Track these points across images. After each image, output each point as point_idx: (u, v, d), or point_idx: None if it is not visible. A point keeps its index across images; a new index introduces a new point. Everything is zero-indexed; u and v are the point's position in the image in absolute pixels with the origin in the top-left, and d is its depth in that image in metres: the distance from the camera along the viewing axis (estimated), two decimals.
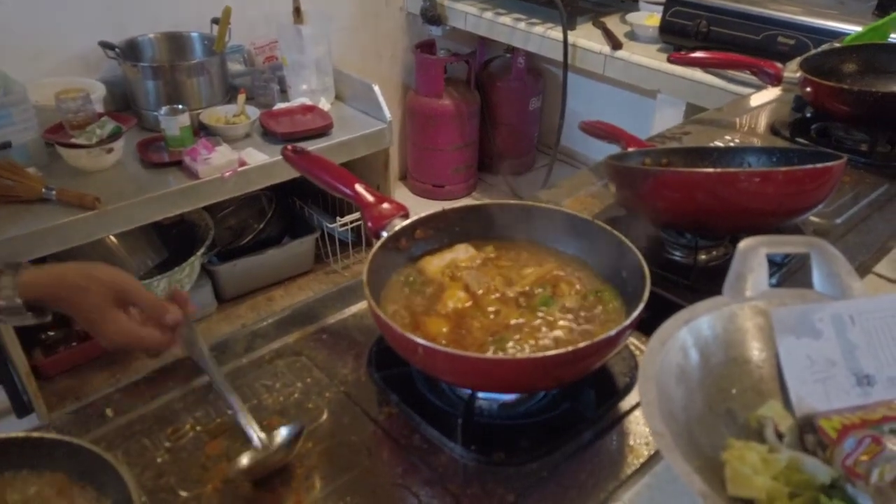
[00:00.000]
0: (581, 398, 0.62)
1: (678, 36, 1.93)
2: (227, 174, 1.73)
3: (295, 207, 2.29)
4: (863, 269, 0.80)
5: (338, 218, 2.13)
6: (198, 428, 0.60)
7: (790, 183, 0.71)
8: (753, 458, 0.42)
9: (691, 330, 0.47)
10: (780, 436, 0.45)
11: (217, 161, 1.73)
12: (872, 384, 0.46)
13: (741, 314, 0.50)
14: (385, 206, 0.72)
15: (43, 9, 1.83)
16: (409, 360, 0.58)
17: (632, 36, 2.09)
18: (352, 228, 2.18)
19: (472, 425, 0.58)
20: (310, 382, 0.66)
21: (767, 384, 0.48)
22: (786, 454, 0.43)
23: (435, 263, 0.69)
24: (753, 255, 0.51)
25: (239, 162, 1.76)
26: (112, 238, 1.87)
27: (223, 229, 2.16)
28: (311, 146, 1.91)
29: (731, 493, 0.40)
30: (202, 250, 1.88)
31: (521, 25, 2.26)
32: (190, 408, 0.63)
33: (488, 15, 2.35)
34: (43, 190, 1.57)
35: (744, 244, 0.51)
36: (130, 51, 1.92)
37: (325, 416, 0.62)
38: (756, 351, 0.49)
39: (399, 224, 0.70)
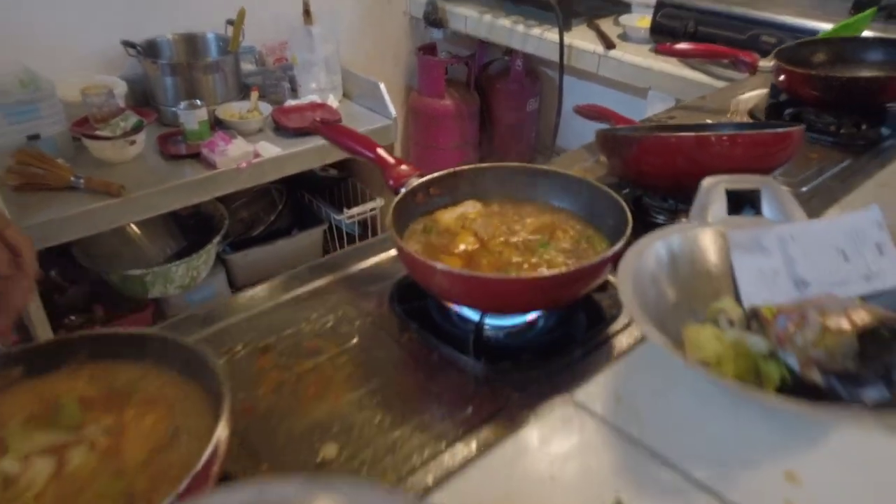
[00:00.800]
0: (574, 324, 0.73)
1: (668, 36, 2.05)
2: (243, 165, 1.84)
3: (304, 201, 2.40)
4: None
5: (345, 210, 2.23)
6: (247, 348, 0.71)
7: (756, 145, 0.82)
8: (707, 334, 0.52)
9: (664, 244, 0.58)
10: (731, 323, 0.55)
11: (233, 153, 1.83)
12: (807, 286, 0.56)
13: (703, 235, 0.60)
14: (403, 167, 0.82)
15: (69, 10, 1.95)
16: (427, 285, 0.69)
17: (624, 37, 2.21)
18: (358, 221, 2.28)
19: (481, 342, 0.69)
20: (340, 315, 0.76)
21: (723, 288, 0.59)
22: (734, 332, 0.53)
23: (447, 215, 0.80)
24: (715, 190, 0.61)
25: (254, 154, 1.87)
26: (134, 226, 1.98)
27: (236, 221, 2.26)
28: (320, 140, 2.03)
29: (688, 357, 0.50)
30: (217, 239, 1.98)
31: (519, 27, 2.37)
32: (235, 335, 0.73)
33: (487, 18, 2.47)
34: (71, 178, 1.67)
35: (706, 181, 0.62)
36: (150, 50, 2.03)
37: (355, 340, 0.72)
38: (714, 263, 0.60)
39: (416, 182, 0.80)
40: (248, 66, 2.28)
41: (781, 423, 0.53)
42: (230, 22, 2.08)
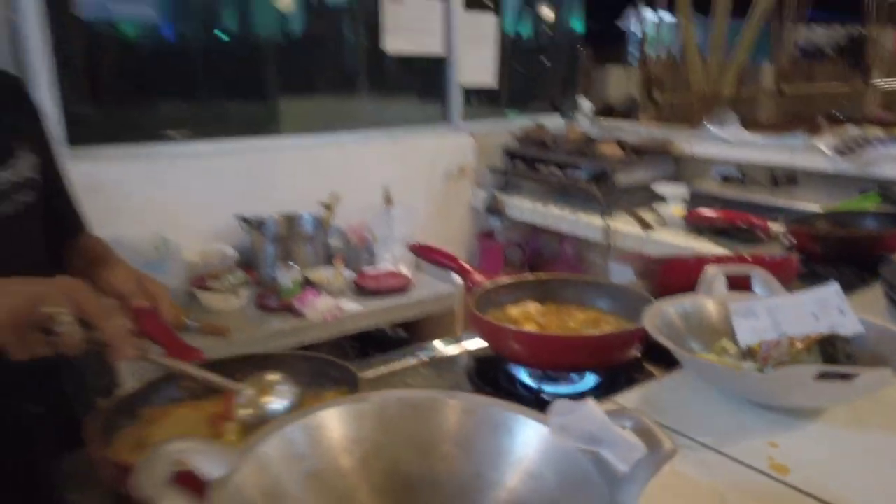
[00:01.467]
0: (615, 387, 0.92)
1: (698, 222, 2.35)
2: (328, 317, 2.13)
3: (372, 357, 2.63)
4: None
5: None
6: None
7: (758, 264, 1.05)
8: (712, 358, 0.71)
9: (676, 308, 0.79)
10: (729, 354, 0.75)
11: (320, 306, 2.13)
12: (788, 336, 0.76)
13: (708, 302, 0.82)
14: (478, 276, 1.08)
15: (198, 193, 2.40)
16: (501, 347, 0.90)
17: (660, 222, 2.53)
18: None
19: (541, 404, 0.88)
20: (431, 381, 0.97)
21: (723, 335, 0.79)
22: (731, 359, 0.72)
23: (513, 310, 1.03)
24: (717, 275, 0.84)
25: (337, 308, 2.16)
26: None
27: None
28: (393, 300, 2.32)
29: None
30: None
31: (567, 214, 2.73)
32: None
33: (539, 207, 2.85)
34: (187, 321, 1.97)
35: (711, 269, 0.85)
36: (258, 224, 2.44)
37: None
38: (717, 320, 0.80)
39: (489, 285, 1.05)
40: (334, 242, 2.66)
41: (764, 409, 0.71)
42: (325, 205, 2.50)
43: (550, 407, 0.53)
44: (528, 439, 0.53)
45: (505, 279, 1.07)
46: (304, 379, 0.80)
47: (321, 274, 2.36)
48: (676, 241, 2.32)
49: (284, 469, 0.49)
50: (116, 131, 2.40)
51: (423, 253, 1.18)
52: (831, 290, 0.77)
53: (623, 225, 2.53)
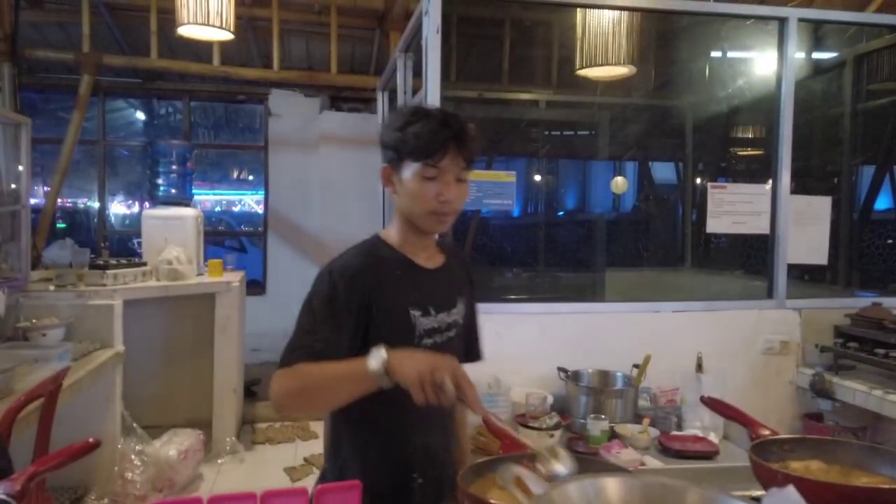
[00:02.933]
0: None
1: None
2: (631, 468, 2.28)
3: None
4: None
5: None
6: None
7: None
8: None
9: None
10: None
11: (624, 457, 2.30)
12: None
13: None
14: (764, 429, 1.22)
15: (527, 344, 2.84)
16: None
17: None
18: None
19: None
20: None
21: None
22: None
23: (795, 464, 1.14)
24: None
25: (639, 462, 2.30)
26: None
27: None
28: (697, 464, 2.36)
29: None
30: None
31: None
32: None
33: (877, 392, 2.63)
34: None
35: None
36: (575, 376, 2.75)
37: None
38: None
39: (771, 437, 1.18)
40: (642, 403, 2.83)
41: None
42: (636, 365, 2.71)
43: None
44: None
45: (790, 435, 1.19)
46: None
47: (628, 429, 2.53)
48: None
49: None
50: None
51: (712, 404, 1.34)
52: (786, 492, 0.77)
53: None
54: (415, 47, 3.32)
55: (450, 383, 1.10)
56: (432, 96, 2.76)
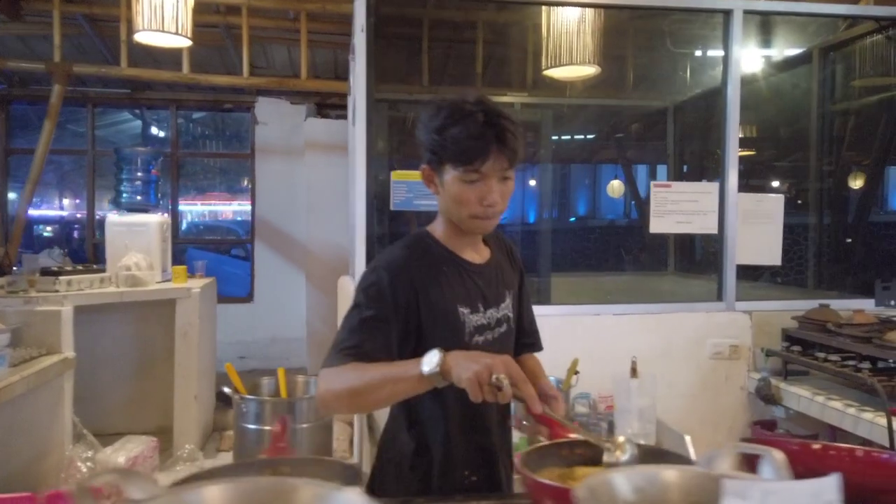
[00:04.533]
0: None
1: None
2: None
3: None
4: None
5: None
6: None
7: None
8: None
9: (633, 478, 0.78)
10: None
11: None
12: None
13: (707, 476, 0.77)
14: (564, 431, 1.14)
15: None
16: None
17: None
18: None
19: None
20: None
21: None
22: None
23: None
24: (722, 453, 0.80)
25: None
26: None
27: None
28: None
29: None
30: None
31: (851, 411, 2.35)
32: None
33: (819, 399, 2.51)
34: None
35: (715, 451, 0.81)
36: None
37: None
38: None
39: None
40: (580, 409, 2.73)
41: None
42: (568, 369, 2.62)
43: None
44: None
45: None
46: None
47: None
48: None
49: None
50: None
51: (538, 418, 1.25)
52: (830, 482, 0.67)
53: None
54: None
55: (507, 382, 1.08)
56: (360, 98, 2.72)
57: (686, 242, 5.05)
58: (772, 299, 3.35)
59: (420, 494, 1.33)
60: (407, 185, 2.74)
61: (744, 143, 5.68)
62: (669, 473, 0.76)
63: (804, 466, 0.94)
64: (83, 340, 3.67)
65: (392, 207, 2.73)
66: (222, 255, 8.02)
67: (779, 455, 0.78)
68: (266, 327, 6.75)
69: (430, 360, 1.15)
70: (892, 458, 0.88)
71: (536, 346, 1.60)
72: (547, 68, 4.12)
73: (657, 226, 2.95)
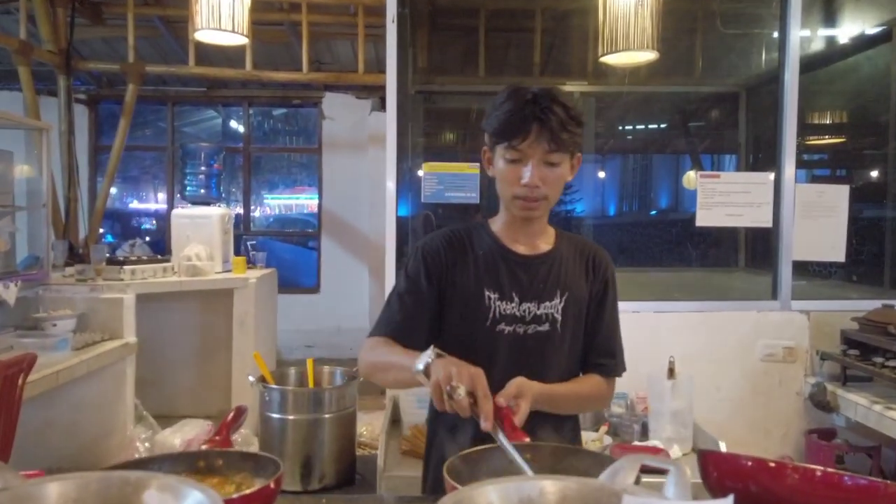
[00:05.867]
0: None
1: None
2: None
3: None
4: None
5: None
6: None
7: None
8: None
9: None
10: None
11: None
12: None
13: (606, 490, 0.70)
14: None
15: None
16: None
17: None
18: None
19: None
20: None
21: None
22: None
23: None
24: (630, 461, 0.73)
25: None
26: None
27: None
28: (648, 479, 2.15)
29: None
30: None
31: None
32: None
33: (877, 408, 2.30)
34: None
35: (628, 457, 0.74)
36: None
37: None
38: None
39: None
40: (617, 408, 2.62)
41: None
42: None
43: None
44: None
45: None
46: None
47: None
48: None
49: None
50: None
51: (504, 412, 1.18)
52: (723, 502, 0.60)
53: None
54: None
55: (462, 392, 1.07)
56: (391, 87, 2.72)
57: (759, 237, 4.76)
58: (840, 298, 3.11)
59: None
60: (438, 177, 2.71)
61: (824, 129, 5.31)
62: (563, 485, 0.70)
63: (758, 485, 0.85)
64: (147, 327, 3.87)
65: (423, 200, 2.71)
66: (299, 248, 8.26)
67: (684, 471, 0.71)
68: (332, 317, 6.90)
69: (423, 360, 1.16)
70: (848, 480, 0.78)
71: (608, 368, 1.42)
72: (603, 55, 3.98)
73: (704, 219, 2.79)
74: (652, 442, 2.35)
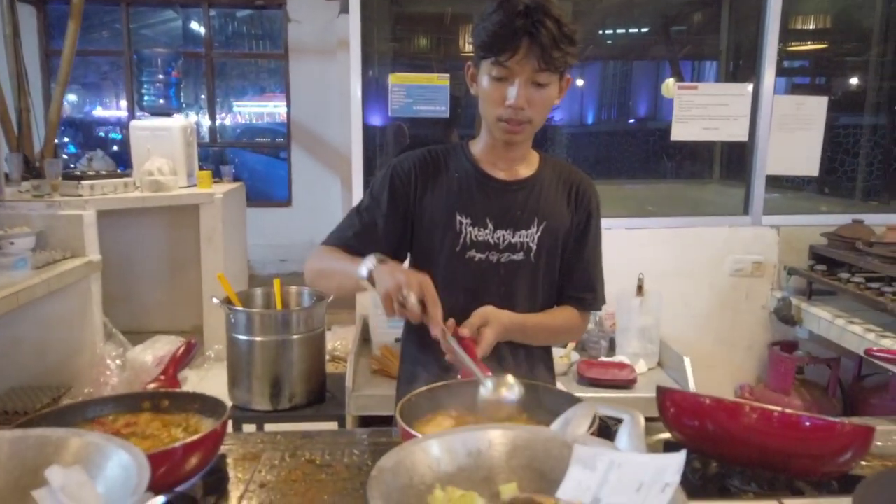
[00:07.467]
0: None
1: None
2: None
3: None
4: None
5: None
6: None
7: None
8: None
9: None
10: None
11: None
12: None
13: (557, 441, 0.67)
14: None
15: None
16: None
17: None
18: None
19: None
20: None
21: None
22: None
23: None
24: (583, 409, 0.70)
25: None
26: None
27: None
28: (614, 394, 2.18)
29: None
30: None
31: (870, 336, 2.18)
32: None
33: (840, 322, 2.33)
34: None
35: (582, 404, 0.71)
36: None
37: None
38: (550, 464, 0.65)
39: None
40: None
41: None
42: None
43: None
44: None
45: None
46: None
47: None
48: None
49: None
50: None
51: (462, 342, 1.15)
52: (676, 460, 0.57)
53: None
54: None
55: (414, 300, 1.05)
56: None
57: (735, 149, 4.71)
58: (812, 212, 3.11)
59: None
60: (406, 90, 2.58)
61: (807, 35, 5.15)
62: (513, 435, 0.67)
63: (716, 424, 0.84)
64: (114, 244, 3.77)
65: (390, 114, 2.59)
66: (271, 158, 8.02)
67: (639, 420, 0.68)
68: (305, 231, 6.81)
69: (366, 265, 1.15)
70: (806, 421, 0.76)
71: (587, 303, 1.38)
72: None
73: (680, 132, 2.72)
74: (618, 358, 2.38)
